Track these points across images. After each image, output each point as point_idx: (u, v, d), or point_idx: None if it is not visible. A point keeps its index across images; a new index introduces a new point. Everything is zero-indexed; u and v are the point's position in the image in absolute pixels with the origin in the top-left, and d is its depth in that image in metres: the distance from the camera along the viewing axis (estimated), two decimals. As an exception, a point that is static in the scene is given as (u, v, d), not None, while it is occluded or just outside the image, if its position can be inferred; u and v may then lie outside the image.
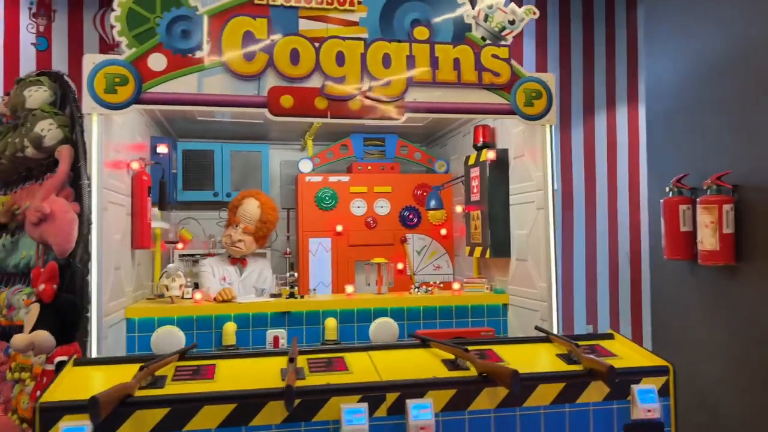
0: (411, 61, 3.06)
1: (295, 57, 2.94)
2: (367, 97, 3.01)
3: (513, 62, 3.17)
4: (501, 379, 2.10)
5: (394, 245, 4.74)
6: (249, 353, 2.43)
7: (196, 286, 3.92)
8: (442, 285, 3.94)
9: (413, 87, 3.07)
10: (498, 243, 3.65)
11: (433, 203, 4.17)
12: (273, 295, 3.70)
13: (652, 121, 3.37)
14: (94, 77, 2.74)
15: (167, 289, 3.42)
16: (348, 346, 2.50)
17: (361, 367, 2.29)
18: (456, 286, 3.97)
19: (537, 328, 2.76)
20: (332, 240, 4.66)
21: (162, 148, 4.09)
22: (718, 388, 2.86)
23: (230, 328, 3.31)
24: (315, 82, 2.97)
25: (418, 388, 2.12)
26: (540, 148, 3.26)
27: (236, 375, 2.18)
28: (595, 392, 2.24)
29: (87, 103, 2.73)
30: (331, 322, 3.43)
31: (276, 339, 3.41)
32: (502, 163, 3.67)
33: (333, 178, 4.69)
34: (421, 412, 2.07)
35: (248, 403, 1.99)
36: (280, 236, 5.29)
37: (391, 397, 2.09)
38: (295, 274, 3.71)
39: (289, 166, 5.20)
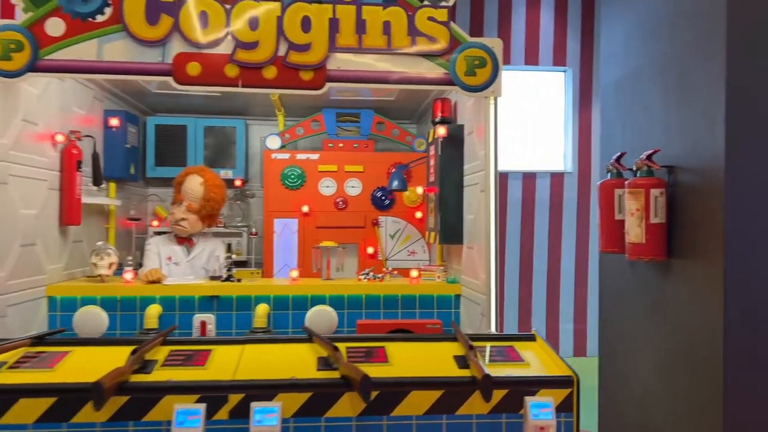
0: (334, 25, 2.80)
1: (203, 20, 2.75)
2: (284, 65, 2.78)
3: (453, 26, 2.86)
4: (354, 383, 1.87)
5: (366, 228, 4.52)
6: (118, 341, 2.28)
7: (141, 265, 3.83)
8: (394, 272, 3.69)
9: (337, 53, 2.81)
10: (448, 228, 3.36)
11: (395, 183, 3.91)
12: (213, 278, 3.57)
13: (604, 94, 2.97)
14: (-12, 43, 2.63)
15: (95, 267, 3.33)
16: (223, 339, 2.32)
17: (222, 363, 2.10)
18: (414, 273, 3.71)
19: (452, 324, 2.49)
20: (299, 221, 4.48)
21: (114, 121, 4.00)
22: (646, 395, 2.51)
23: (153, 311, 3.19)
24: (225, 48, 2.76)
25: (266, 389, 1.92)
26: (484, 122, 2.93)
27: (82, 364, 2.05)
28: (481, 403, 1.96)
29: (-20, 71, 2.63)
30: (261, 309, 3.26)
31: (203, 324, 3.27)
32: (455, 140, 3.37)
33: (301, 156, 4.50)
34: (266, 417, 1.87)
35: (68, 398, 1.84)
36: (257, 217, 5.17)
37: (234, 398, 1.90)
38: (233, 256, 3.56)
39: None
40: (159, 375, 1.98)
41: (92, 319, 3.21)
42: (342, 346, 2.19)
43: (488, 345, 2.32)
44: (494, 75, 2.87)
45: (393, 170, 3.99)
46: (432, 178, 3.57)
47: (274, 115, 5.08)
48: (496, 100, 2.91)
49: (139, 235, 4.68)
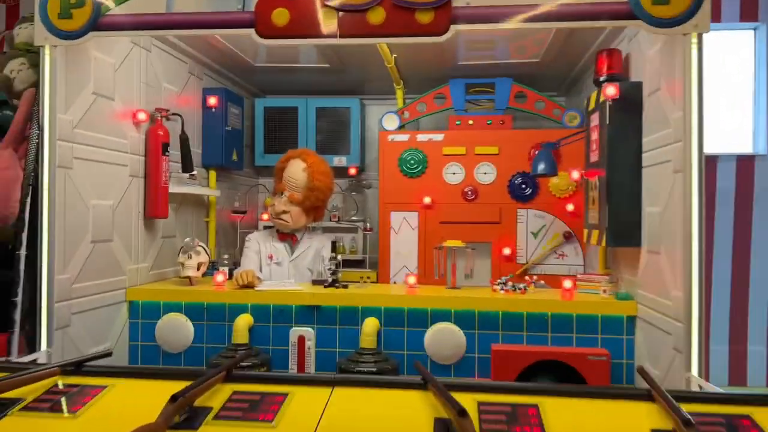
0: (462, -55, 2.08)
1: (292, -46, 2.15)
2: (394, 4, 2.10)
3: (635, -68, 2.01)
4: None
5: (501, 224, 3.74)
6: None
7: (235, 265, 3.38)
8: (540, 280, 2.89)
9: (466, -16, 2.09)
10: (620, 225, 2.51)
11: (542, 167, 3.09)
12: (316, 282, 3.01)
13: None
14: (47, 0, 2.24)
15: (183, 267, 2.90)
16: (306, 377, 1.71)
17: (298, 417, 1.48)
18: (567, 284, 2.89)
19: (640, 371, 1.67)
20: (419, 215, 3.80)
21: (212, 100, 3.59)
22: None
23: (241, 323, 2.68)
24: (320, -12, 2.15)
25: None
26: (681, 74, 2.06)
27: (117, 408, 1.53)
28: None
29: (39, 33, 2.25)
30: (370, 325, 2.63)
31: (301, 340, 2.72)
32: (631, 103, 2.49)
33: (422, 137, 3.81)
34: None
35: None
36: (375, 211, 4.58)
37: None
38: (339, 256, 2.96)
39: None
40: (206, 434, 1.40)
41: (176, 329, 2.78)
42: (471, 402, 1.47)
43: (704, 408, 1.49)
44: (697, 1, 1.99)
45: (538, 150, 3.17)
46: (594, 157, 2.72)
47: (394, 92, 4.45)
48: (700, 38, 2.02)
49: (246, 230, 4.28)
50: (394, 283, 3.81)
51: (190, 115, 3.47)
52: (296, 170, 3.17)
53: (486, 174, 3.76)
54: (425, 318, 2.68)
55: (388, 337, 2.70)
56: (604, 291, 2.63)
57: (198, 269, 2.93)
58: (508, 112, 3.89)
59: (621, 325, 2.59)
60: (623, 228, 2.50)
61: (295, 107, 4.44)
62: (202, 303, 2.79)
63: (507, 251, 3.68)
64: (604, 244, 2.55)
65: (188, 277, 2.93)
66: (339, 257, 2.95)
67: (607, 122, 2.52)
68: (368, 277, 3.05)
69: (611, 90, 2.47)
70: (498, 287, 2.80)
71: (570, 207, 3.65)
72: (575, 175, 3.00)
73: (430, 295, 2.72)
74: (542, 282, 2.89)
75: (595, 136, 2.71)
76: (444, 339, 2.64)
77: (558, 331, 2.62)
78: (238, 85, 4.26)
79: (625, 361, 2.59)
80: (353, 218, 4.47)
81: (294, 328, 2.73)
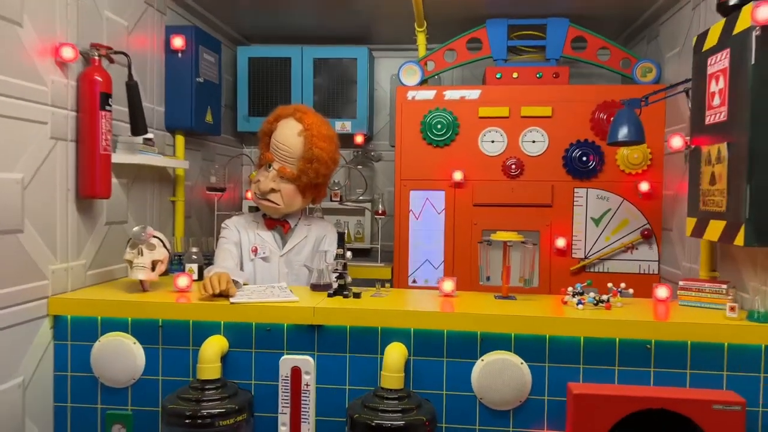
0: None
1: None
2: None
3: None
4: None
5: (553, 207, 2.95)
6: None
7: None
8: (627, 288, 2.12)
9: None
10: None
11: (623, 132, 2.30)
12: (316, 287, 2.23)
13: None
14: None
15: (130, 268, 2.11)
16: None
17: None
18: (662, 292, 2.13)
19: None
20: (446, 195, 3.01)
21: (177, 42, 2.76)
22: None
23: (211, 349, 1.91)
24: None
25: None
26: None
27: None
28: None
29: None
30: (394, 355, 1.86)
31: (296, 373, 1.95)
32: (790, 34, 1.69)
33: (452, 94, 3.00)
34: None
35: None
36: (387, 189, 3.80)
37: None
38: (348, 254, 2.18)
39: (397, 80, 3.59)
40: None
41: (120, 356, 2.02)
42: None
43: None
44: None
45: (618, 111, 2.37)
46: (718, 116, 1.93)
47: (411, 41, 3.62)
48: None
49: (226, 213, 3.48)
50: (414, 282, 3.03)
51: (147, 60, 2.65)
52: (289, 134, 2.36)
53: (534, 143, 2.96)
54: (473, 344, 1.91)
55: (419, 371, 1.93)
56: (732, 308, 1.86)
57: (153, 269, 2.14)
58: (564, 62, 3.08)
59: (758, 358, 1.82)
60: (774, 219, 1.72)
61: (287, 58, 3.61)
62: (157, 320, 2.01)
63: (561, 243, 2.90)
64: (740, 241, 1.76)
65: (141, 282, 2.14)
66: (349, 254, 2.17)
67: (752, 62, 1.72)
68: (386, 283, 2.26)
69: (764, 12, 1.67)
70: (572, 299, 2.03)
71: (644, 186, 2.86)
72: (676, 142, 2.20)
73: (481, 312, 1.93)
74: (630, 290, 2.12)
75: (719, 85, 1.91)
76: (500, 375, 1.88)
77: (664, 365, 1.86)
78: (215, 28, 3.42)
79: (761, 409, 1.83)
80: (360, 198, 3.67)
81: (286, 357, 1.96)
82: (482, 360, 1.90)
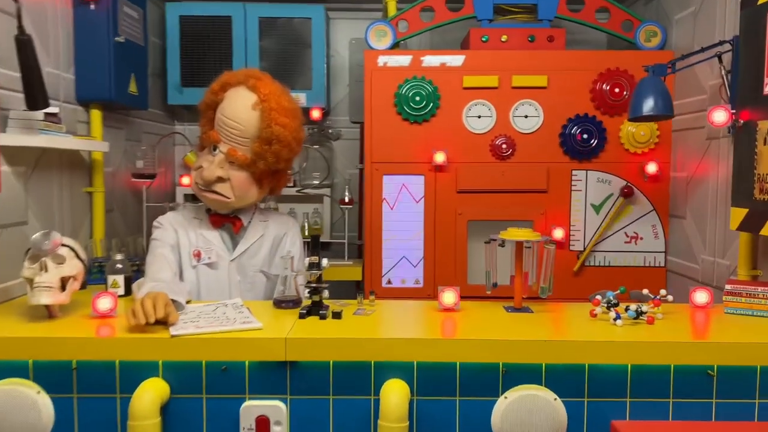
0: None
1: None
2: None
3: None
4: None
5: (549, 192, 2.58)
6: None
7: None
8: (667, 296, 1.76)
9: None
10: None
11: (649, 104, 1.93)
12: (280, 302, 1.76)
13: None
14: None
15: (30, 289, 1.58)
16: None
17: None
18: (702, 297, 1.79)
19: None
20: (426, 180, 2.58)
21: (84, -9, 2.19)
22: None
23: (144, 402, 1.42)
24: None
25: None
26: None
27: None
28: None
29: None
30: (393, 398, 1.43)
31: (263, 423, 1.48)
32: None
33: (431, 60, 2.56)
34: None
35: None
36: (350, 172, 3.34)
37: None
38: (325, 262, 1.72)
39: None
40: None
41: (17, 410, 1.49)
42: None
43: None
44: None
45: (642, 80, 1.99)
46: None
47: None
48: None
49: (156, 204, 2.93)
50: (389, 283, 2.60)
51: (48, 11, 2.07)
52: (240, 107, 1.86)
53: (527, 118, 2.56)
54: (494, 378, 1.50)
55: (425, 415, 1.51)
56: (807, 321, 1.52)
57: (63, 289, 1.62)
58: (558, 24, 2.68)
59: (839, 382, 1.51)
60: None
61: (227, 17, 3.06)
62: (70, 361, 1.49)
63: (558, 234, 2.53)
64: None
65: (47, 307, 1.62)
66: (325, 262, 1.70)
67: None
68: (371, 295, 1.80)
69: None
70: (608, 312, 1.65)
71: (651, 168, 2.53)
72: (720, 117, 1.84)
73: (502, 337, 1.52)
74: (669, 297, 1.76)
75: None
76: (529, 416, 1.48)
77: (727, 396, 1.51)
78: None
79: (843, 443, 1.52)
80: (317, 184, 3.19)
81: (249, 403, 1.49)
82: (505, 397, 1.49)
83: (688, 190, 2.42)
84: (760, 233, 1.68)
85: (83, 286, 2.04)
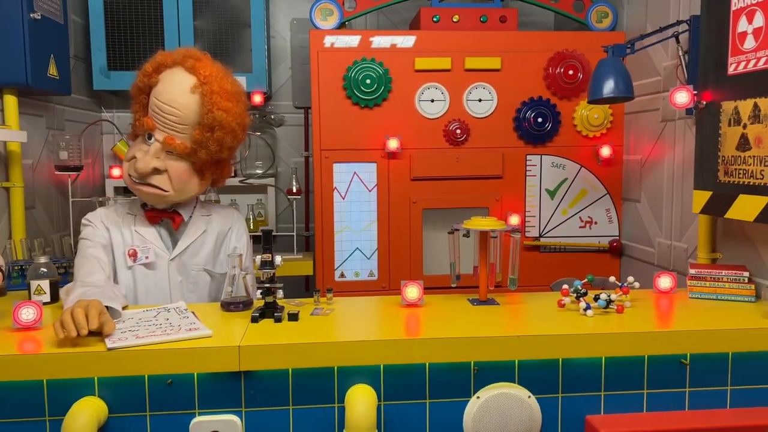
0: None
1: None
2: None
3: None
4: None
5: (504, 178, 2.52)
6: None
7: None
8: (630, 284, 1.71)
9: None
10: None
11: (609, 86, 1.88)
12: (228, 305, 1.62)
13: None
14: None
15: (-63, 303, 1.37)
16: None
17: None
18: (666, 282, 1.77)
19: None
20: (378, 167, 2.47)
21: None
22: None
23: (78, 424, 1.25)
24: None
25: None
26: None
27: None
28: None
29: None
30: (359, 405, 1.32)
31: (216, 441, 1.35)
32: None
33: (380, 40, 2.44)
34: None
35: None
36: (294, 159, 3.19)
37: None
38: (278, 260, 1.58)
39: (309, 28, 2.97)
40: None
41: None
42: None
43: None
44: None
45: (601, 60, 1.94)
46: (758, 63, 1.54)
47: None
48: None
49: (84, 198, 2.70)
50: (342, 277, 2.49)
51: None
52: (177, 90, 1.69)
53: (481, 102, 2.49)
54: (465, 378, 1.42)
55: (393, 420, 1.41)
56: (774, 304, 1.51)
57: (-24, 300, 1.42)
58: (511, 4, 2.61)
59: (806, 364, 1.50)
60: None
61: (158, -5, 2.84)
62: (-14, 381, 1.30)
63: (514, 220, 2.48)
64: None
65: (-45, 319, 1.42)
66: (279, 260, 1.57)
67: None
68: (329, 293, 1.68)
69: None
70: (579, 303, 1.59)
71: (605, 151, 2.50)
72: (682, 98, 1.80)
73: (473, 334, 1.43)
74: (636, 283, 1.72)
75: (755, 22, 1.52)
76: (502, 415, 1.41)
77: (700, 384, 1.48)
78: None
79: (810, 425, 1.52)
80: (262, 172, 3.02)
81: (199, 419, 1.35)
82: (478, 397, 1.41)
83: (642, 173, 2.41)
84: (726, 216, 1.66)
85: (1, 294, 1.83)
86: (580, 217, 2.57)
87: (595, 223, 2.57)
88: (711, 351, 1.46)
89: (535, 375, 1.44)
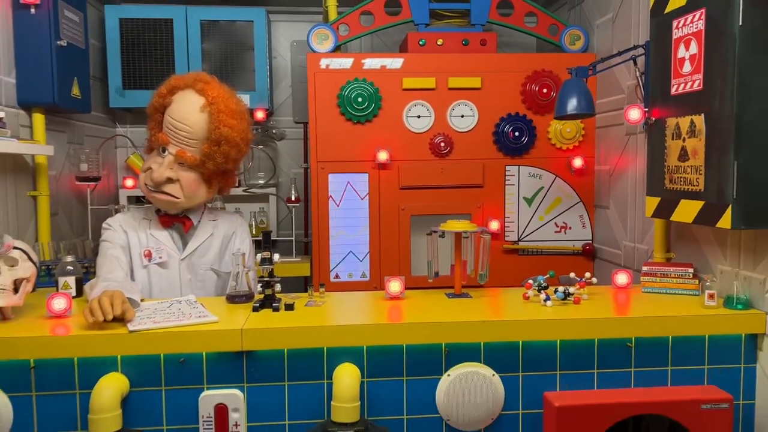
0: None
1: None
2: None
3: None
4: None
5: (485, 187, 2.74)
6: None
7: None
8: (587, 279, 1.93)
9: None
10: (756, 195, 1.58)
11: (572, 104, 2.10)
12: (233, 298, 1.83)
13: None
14: None
15: (-20, 292, 1.60)
16: None
17: None
18: (623, 279, 1.98)
19: None
20: (370, 177, 2.69)
21: (27, -5, 2.19)
22: None
23: (104, 397, 1.47)
24: None
25: None
26: None
27: None
28: None
29: None
30: (345, 380, 1.54)
31: (221, 412, 1.56)
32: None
33: (371, 62, 2.67)
34: None
35: None
36: (294, 171, 3.41)
37: None
38: (276, 257, 1.80)
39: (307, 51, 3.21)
40: None
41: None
42: None
43: None
44: None
45: (566, 81, 2.16)
46: (689, 84, 1.76)
47: (313, 3, 3.25)
48: None
49: (100, 207, 2.93)
50: (336, 278, 2.70)
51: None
52: (189, 110, 1.92)
53: (463, 117, 2.71)
54: (437, 358, 1.63)
55: (375, 395, 1.62)
56: (711, 296, 1.72)
57: (16, 291, 1.64)
58: (490, 28, 2.85)
59: (737, 349, 1.71)
60: (763, 199, 1.58)
61: (167, 20, 3.08)
62: (27, 360, 1.52)
63: (494, 225, 2.69)
64: (727, 224, 1.61)
65: (0, 309, 1.64)
66: (277, 257, 1.79)
67: (740, 23, 1.54)
68: (321, 288, 1.90)
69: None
70: (539, 295, 1.81)
71: (577, 162, 2.72)
72: (635, 115, 2.03)
73: (445, 320, 1.65)
74: (593, 279, 1.94)
75: (690, 50, 1.74)
76: (470, 391, 1.62)
77: (644, 365, 1.69)
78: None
79: (743, 402, 1.72)
80: (262, 183, 3.25)
81: (207, 392, 1.57)
82: (448, 375, 1.63)
83: (610, 182, 2.62)
84: (671, 219, 1.87)
85: (33, 290, 2.05)
86: (555, 223, 2.78)
87: (570, 228, 2.78)
88: (653, 335, 1.67)
89: (498, 356, 1.65)
